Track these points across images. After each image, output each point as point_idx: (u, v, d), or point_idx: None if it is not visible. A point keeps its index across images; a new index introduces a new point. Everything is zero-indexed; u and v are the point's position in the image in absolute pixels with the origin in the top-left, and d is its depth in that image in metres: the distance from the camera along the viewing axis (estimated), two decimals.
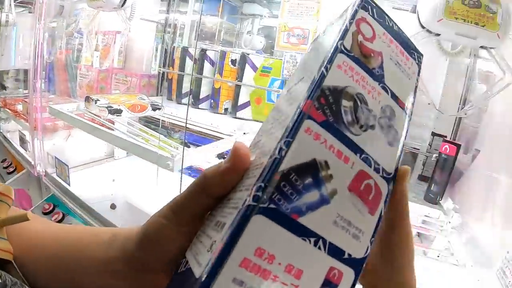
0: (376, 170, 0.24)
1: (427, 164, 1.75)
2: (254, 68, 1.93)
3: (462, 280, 1.17)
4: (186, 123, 1.53)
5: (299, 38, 1.86)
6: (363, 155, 0.23)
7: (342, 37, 0.25)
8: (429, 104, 1.56)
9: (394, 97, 0.27)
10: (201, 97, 2.00)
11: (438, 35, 1.26)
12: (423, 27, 1.25)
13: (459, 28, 1.16)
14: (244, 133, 1.70)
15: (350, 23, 0.26)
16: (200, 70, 1.98)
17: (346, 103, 0.23)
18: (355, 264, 0.21)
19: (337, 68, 0.24)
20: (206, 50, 1.98)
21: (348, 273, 0.21)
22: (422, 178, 1.76)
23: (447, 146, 1.54)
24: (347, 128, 0.23)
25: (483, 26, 1.14)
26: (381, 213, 0.23)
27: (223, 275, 0.18)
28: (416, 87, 0.30)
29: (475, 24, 1.14)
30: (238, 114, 1.95)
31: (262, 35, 2.43)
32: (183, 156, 1.27)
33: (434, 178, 1.56)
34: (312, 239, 0.20)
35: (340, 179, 0.22)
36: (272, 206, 0.19)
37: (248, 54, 1.93)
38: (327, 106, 0.23)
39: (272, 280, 0.19)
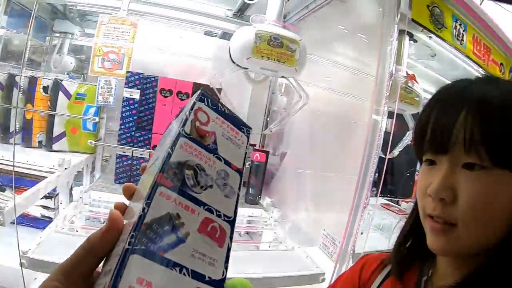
0: (218, 216, 0.33)
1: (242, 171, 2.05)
2: (68, 95, 1.83)
3: (294, 260, 1.44)
4: (14, 166, 1.36)
5: (114, 63, 1.85)
6: (206, 207, 0.32)
7: (183, 125, 0.35)
8: None
9: (227, 163, 0.37)
10: (11, 130, 1.79)
11: (246, 68, 1.51)
12: (233, 62, 1.48)
13: (264, 64, 1.44)
14: (66, 168, 1.61)
15: (189, 113, 0.36)
16: (8, 99, 1.76)
17: (188, 172, 0.33)
18: (216, 284, 0.29)
19: (179, 148, 0.33)
20: (15, 75, 1.77)
21: None
22: None
23: (257, 154, 1.85)
24: (191, 189, 0.32)
25: (284, 62, 1.44)
26: (228, 245, 0.32)
27: None
28: (246, 152, 0.41)
29: (277, 61, 1.43)
30: (54, 146, 1.83)
31: (73, 55, 2.28)
32: (15, 206, 1.17)
33: (251, 183, 1.86)
34: (177, 268, 0.28)
35: (190, 224, 0.30)
36: (142, 247, 0.27)
37: (62, 80, 1.82)
38: (174, 175, 0.32)
39: None
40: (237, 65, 1.47)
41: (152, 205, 0.29)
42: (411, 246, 0.61)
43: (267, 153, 1.86)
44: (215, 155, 0.36)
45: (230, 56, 1.46)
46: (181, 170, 0.32)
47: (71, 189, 1.68)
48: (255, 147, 2.07)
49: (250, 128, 0.43)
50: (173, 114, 2.00)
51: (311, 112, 1.73)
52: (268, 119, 2.27)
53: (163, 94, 1.95)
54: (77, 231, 1.40)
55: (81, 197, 1.61)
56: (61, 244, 1.23)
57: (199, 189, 0.33)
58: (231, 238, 0.33)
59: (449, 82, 0.55)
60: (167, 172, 0.31)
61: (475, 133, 0.44)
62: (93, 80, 1.89)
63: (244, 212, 1.75)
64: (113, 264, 0.27)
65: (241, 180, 0.38)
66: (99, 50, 1.82)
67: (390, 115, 1.39)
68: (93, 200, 1.69)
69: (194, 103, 0.37)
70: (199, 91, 0.39)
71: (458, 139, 0.46)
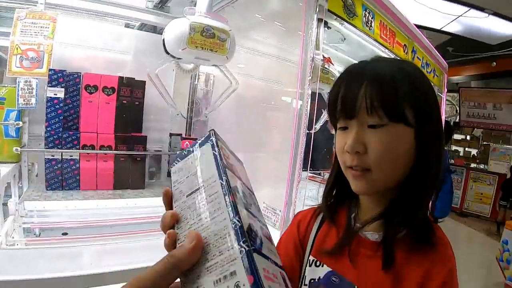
0: (265, 226, 0.45)
1: (171, 161, 2.08)
2: None
3: None
4: None
5: (34, 61, 1.74)
6: (258, 219, 0.43)
7: (221, 159, 0.44)
8: (177, 115, 1.89)
9: (245, 186, 0.48)
10: None
11: (180, 59, 1.56)
12: (168, 53, 1.52)
13: (198, 54, 1.50)
14: None
15: (217, 150, 0.45)
16: None
17: (241, 195, 0.42)
18: (283, 269, 0.41)
19: (230, 176, 0.42)
20: None
21: (284, 273, 0.41)
22: (169, 174, 2.08)
23: (187, 142, 1.92)
24: (249, 207, 0.42)
25: (216, 51, 1.51)
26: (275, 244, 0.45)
27: (264, 284, 0.33)
28: (247, 176, 0.53)
29: (210, 51, 1.50)
30: None
31: None
32: None
33: None
34: (269, 259, 0.38)
35: (259, 231, 0.41)
36: (253, 247, 0.35)
37: None
38: (237, 197, 0.40)
39: (272, 281, 0.35)
40: (172, 56, 1.51)
41: (242, 219, 0.37)
42: (336, 194, 0.78)
43: (195, 140, 1.93)
44: (242, 182, 0.47)
45: (165, 48, 1.49)
46: (236, 193, 0.41)
47: (4, 203, 1.57)
48: (182, 136, 2.12)
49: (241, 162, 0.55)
50: (101, 110, 1.95)
51: (233, 97, 1.82)
52: (192, 108, 2.32)
53: (88, 91, 1.90)
54: (25, 244, 1.34)
55: (17, 210, 1.52)
56: (13, 260, 1.17)
57: (250, 207, 0.43)
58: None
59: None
60: (233, 194, 0.39)
61: (374, 100, 0.61)
62: (10, 82, 1.76)
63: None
64: (235, 267, 0.34)
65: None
66: (17, 48, 1.70)
67: (312, 95, 1.55)
68: (29, 211, 1.61)
69: (217, 142, 0.46)
70: (212, 131, 0.48)
71: (362, 106, 0.62)
